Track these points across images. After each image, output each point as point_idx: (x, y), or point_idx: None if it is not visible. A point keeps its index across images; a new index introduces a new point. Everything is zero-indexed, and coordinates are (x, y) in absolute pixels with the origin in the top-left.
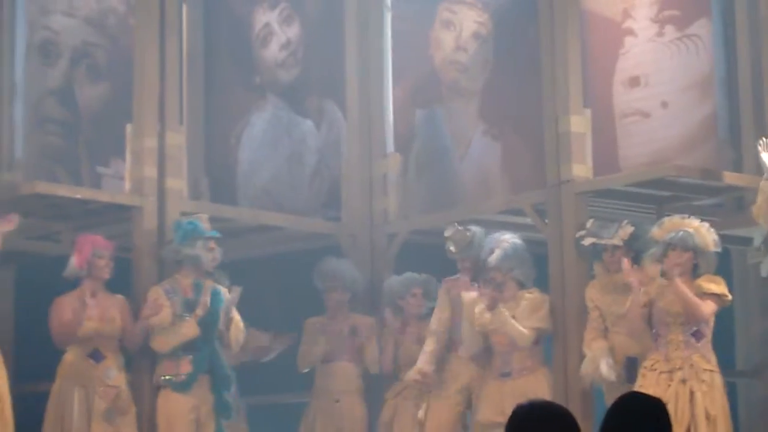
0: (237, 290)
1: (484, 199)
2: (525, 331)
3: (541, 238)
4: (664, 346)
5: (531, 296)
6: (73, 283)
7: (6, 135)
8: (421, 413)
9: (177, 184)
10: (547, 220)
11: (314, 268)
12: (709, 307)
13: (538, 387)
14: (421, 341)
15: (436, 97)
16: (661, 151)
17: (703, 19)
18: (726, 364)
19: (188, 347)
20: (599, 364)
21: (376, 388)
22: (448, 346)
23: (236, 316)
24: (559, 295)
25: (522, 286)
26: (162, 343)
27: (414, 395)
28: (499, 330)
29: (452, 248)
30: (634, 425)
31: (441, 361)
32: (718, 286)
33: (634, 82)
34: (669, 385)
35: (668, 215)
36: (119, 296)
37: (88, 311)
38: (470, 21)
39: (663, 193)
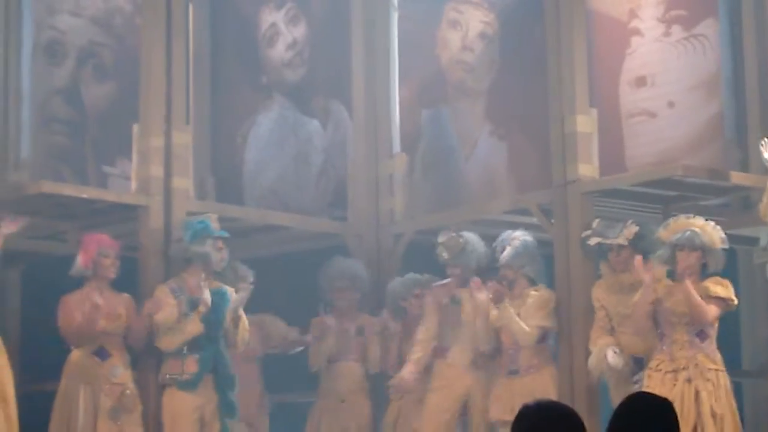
0: (247, 289)
1: (490, 198)
2: (527, 329)
3: (547, 237)
4: (669, 346)
5: (537, 294)
6: (79, 282)
7: (12, 134)
8: (415, 424)
9: (183, 183)
10: (553, 220)
11: (322, 268)
12: (712, 311)
13: (544, 385)
14: None
15: (443, 97)
16: (668, 150)
17: (709, 18)
18: (732, 364)
19: (194, 346)
20: (605, 354)
21: (381, 388)
22: (437, 353)
23: (243, 315)
24: (565, 294)
25: (532, 283)
26: (168, 342)
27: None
28: (505, 327)
29: (445, 254)
30: (642, 425)
31: (427, 368)
32: (725, 290)
33: (640, 81)
34: (674, 385)
35: (675, 215)
36: (125, 295)
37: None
38: (476, 21)
39: (669, 193)
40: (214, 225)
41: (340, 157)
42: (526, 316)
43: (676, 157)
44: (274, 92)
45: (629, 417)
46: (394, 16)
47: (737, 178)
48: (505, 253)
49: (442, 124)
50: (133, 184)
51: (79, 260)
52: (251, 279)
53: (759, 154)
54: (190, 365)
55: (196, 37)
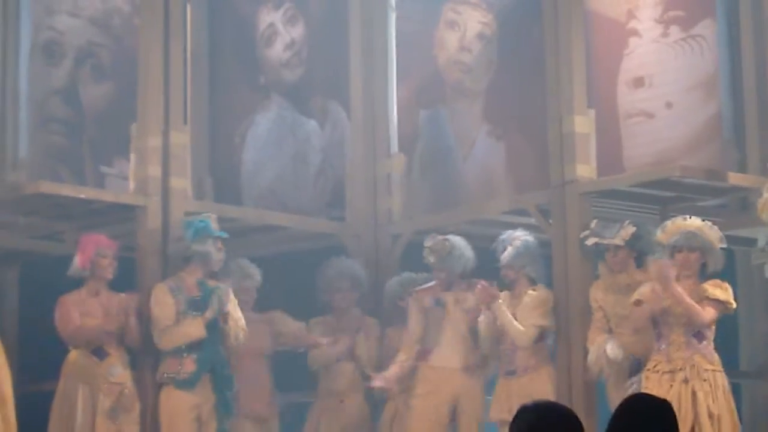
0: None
1: (488, 199)
2: (522, 329)
3: (545, 238)
4: (666, 347)
5: (534, 293)
6: (77, 282)
7: (10, 134)
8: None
9: (181, 183)
10: (551, 221)
11: (321, 268)
12: (709, 314)
13: (541, 386)
14: None
15: (440, 97)
16: (666, 151)
17: (707, 19)
18: (730, 364)
19: (192, 346)
20: (605, 348)
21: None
22: (421, 356)
23: (236, 313)
24: (563, 295)
25: (533, 283)
26: (166, 341)
27: None
28: (502, 328)
29: (431, 258)
30: (641, 426)
31: (411, 371)
32: (724, 293)
33: (638, 82)
34: (671, 386)
35: (672, 216)
36: (123, 295)
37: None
38: (474, 21)
39: (667, 194)
40: (214, 225)
41: (338, 157)
42: (522, 315)
43: (673, 158)
44: (272, 92)
45: (628, 418)
46: (392, 17)
47: (735, 178)
48: (507, 252)
49: (439, 124)
50: (131, 185)
51: (77, 261)
52: (258, 277)
53: (757, 154)
54: (188, 364)
55: (194, 37)
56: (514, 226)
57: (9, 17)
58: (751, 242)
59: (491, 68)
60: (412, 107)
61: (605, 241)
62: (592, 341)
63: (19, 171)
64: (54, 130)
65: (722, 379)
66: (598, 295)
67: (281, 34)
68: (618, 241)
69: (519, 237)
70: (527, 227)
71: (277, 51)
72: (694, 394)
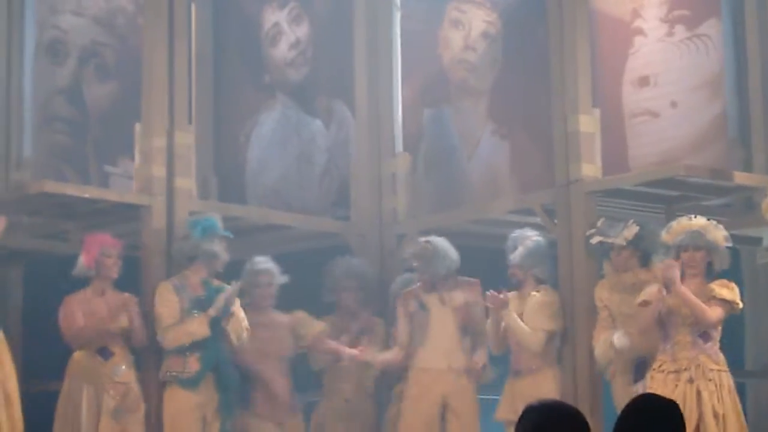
0: (237, 285)
1: (493, 198)
2: (532, 334)
3: (550, 237)
4: (672, 347)
5: (538, 295)
6: (82, 282)
7: (15, 134)
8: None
9: (186, 183)
10: (556, 220)
11: (328, 268)
12: (716, 313)
13: (545, 386)
14: None
15: (445, 96)
16: (671, 150)
17: (712, 18)
18: (735, 364)
19: (196, 344)
20: (611, 341)
21: (386, 388)
22: (409, 359)
23: (240, 312)
24: (568, 294)
25: (540, 283)
26: (170, 340)
27: None
28: (510, 331)
29: (415, 263)
30: (648, 426)
31: (403, 375)
32: (731, 293)
33: (643, 81)
34: (676, 386)
35: (677, 215)
36: (128, 294)
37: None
38: (479, 20)
39: (672, 193)
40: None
41: (343, 156)
42: (529, 319)
43: (678, 157)
44: (277, 92)
45: (635, 418)
46: (397, 16)
47: (740, 178)
48: (517, 252)
49: (443, 123)
50: (136, 184)
51: (82, 260)
52: (275, 275)
53: (762, 154)
54: (192, 363)
55: (198, 36)
56: (518, 226)
57: (13, 16)
58: (756, 241)
59: (496, 67)
60: (417, 106)
61: (609, 240)
62: (597, 340)
63: (23, 170)
64: (58, 130)
65: (727, 379)
66: (603, 294)
67: (286, 33)
68: (621, 241)
69: (530, 237)
70: (533, 227)
71: (282, 50)
72: (699, 393)
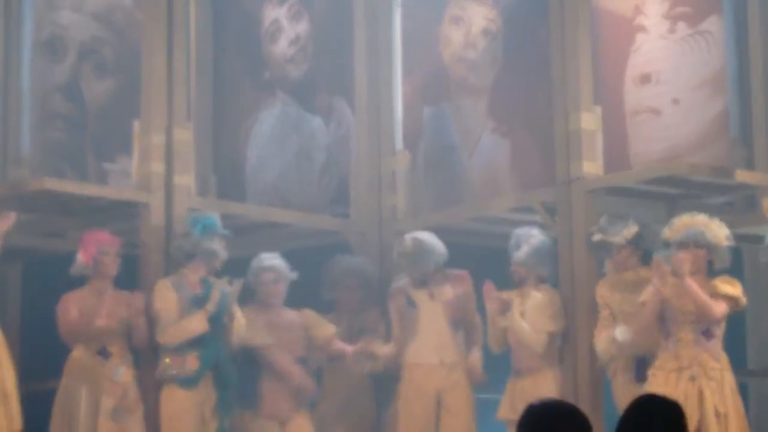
0: (238, 283)
1: (494, 196)
2: (535, 335)
3: (551, 236)
4: (675, 345)
5: (540, 295)
6: (80, 280)
7: (13, 131)
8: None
9: (184, 180)
10: (556, 218)
11: (328, 265)
12: (721, 309)
13: (545, 386)
14: None
15: (445, 94)
16: (672, 148)
17: (714, 15)
18: (737, 363)
19: (195, 342)
20: (614, 335)
21: (386, 385)
22: (402, 355)
23: (237, 311)
24: (569, 293)
25: (542, 282)
26: (169, 337)
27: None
28: (511, 330)
29: (404, 261)
30: (650, 426)
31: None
32: (734, 289)
33: (645, 79)
34: (678, 384)
35: (679, 213)
36: (126, 293)
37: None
38: (480, 18)
39: (674, 191)
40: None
41: (342, 153)
42: (530, 318)
43: (680, 155)
44: (277, 89)
45: (638, 417)
46: (397, 13)
47: (742, 176)
48: (522, 250)
49: (443, 121)
50: (134, 181)
51: (80, 258)
52: (281, 270)
53: (764, 152)
54: (192, 362)
55: (197, 32)
56: (519, 224)
57: (11, 13)
58: (758, 239)
59: (496, 65)
60: (417, 104)
61: (608, 239)
62: (598, 338)
63: (21, 167)
64: (56, 127)
65: (730, 378)
66: (604, 292)
67: (286, 30)
68: (619, 240)
69: (535, 236)
70: (533, 225)
71: (282, 47)
72: (700, 392)
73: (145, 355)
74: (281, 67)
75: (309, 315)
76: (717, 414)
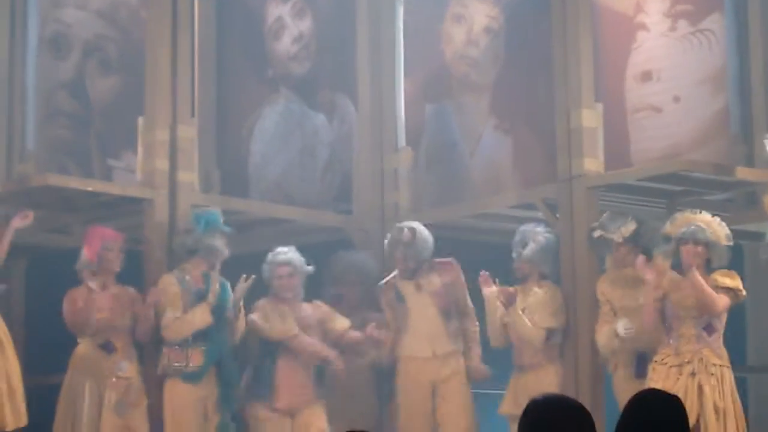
0: (250, 279)
1: (495, 193)
2: (534, 331)
3: (552, 232)
4: (676, 340)
5: (542, 291)
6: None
7: (18, 127)
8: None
9: (188, 176)
10: (558, 215)
11: (331, 261)
12: (722, 302)
13: (546, 382)
14: None
15: (447, 91)
16: (673, 145)
17: (715, 14)
18: (737, 359)
19: (199, 337)
20: (616, 328)
21: (387, 380)
22: (396, 348)
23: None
24: (570, 289)
25: (544, 278)
26: (173, 332)
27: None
28: (512, 326)
29: (400, 252)
30: (651, 421)
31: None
32: (733, 281)
33: (646, 76)
34: (678, 379)
35: (680, 210)
36: (131, 289)
37: (97, 303)
38: (481, 15)
39: (675, 188)
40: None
41: (345, 150)
42: (531, 314)
43: (681, 152)
44: (280, 86)
45: (639, 412)
46: (400, 11)
47: (742, 173)
48: (530, 248)
49: (446, 118)
50: (138, 177)
51: (85, 254)
52: (297, 265)
53: (764, 149)
54: (196, 357)
55: (201, 30)
56: (521, 221)
57: (17, 10)
58: (758, 236)
59: (498, 62)
60: (419, 101)
61: (607, 236)
62: (599, 333)
63: (26, 164)
64: (61, 123)
65: (729, 375)
66: (605, 288)
67: (289, 27)
68: (617, 238)
69: (541, 233)
70: (535, 221)
71: (285, 44)
72: (700, 388)
73: (149, 349)
74: (284, 65)
75: (323, 308)
76: (716, 410)
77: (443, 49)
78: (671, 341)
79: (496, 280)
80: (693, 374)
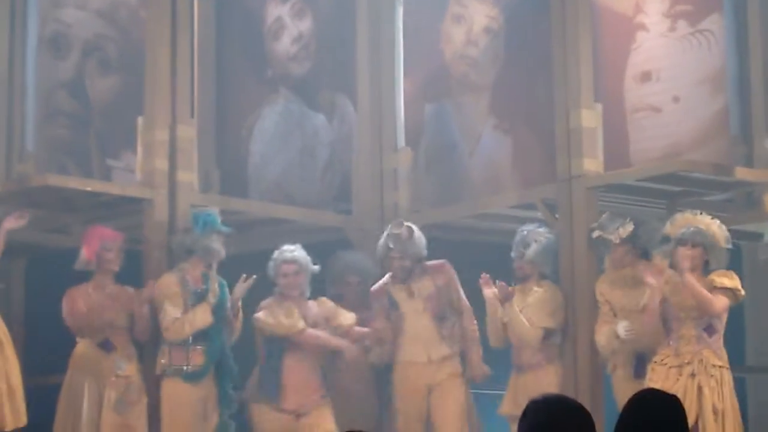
0: (250, 279)
1: (495, 193)
2: (532, 330)
3: (552, 232)
4: (676, 341)
5: (541, 291)
6: (84, 275)
7: (17, 127)
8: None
9: (188, 176)
10: (557, 215)
11: (330, 261)
12: (721, 302)
13: (546, 382)
14: None
15: (446, 91)
16: (673, 146)
17: (715, 14)
18: (736, 360)
19: (199, 337)
20: (616, 329)
21: (386, 382)
22: (391, 353)
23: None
24: (570, 289)
25: (544, 278)
26: (174, 332)
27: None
28: (510, 325)
29: (398, 251)
30: (650, 421)
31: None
32: (731, 281)
33: (645, 77)
34: (678, 380)
35: (679, 210)
36: (130, 288)
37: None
38: (481, 15)
39: (674, 188)
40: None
41: (345, 150)
42: (529, 313)
43: (680, 153)
44: (280, 86)
45: (638, 412)
46: (399, 11)
47: (742, 173)
48: (533, 248)
49: (445, 118)
50: (138, 177)
51: (84, 254)
52: (303, 264)
53: (764, 149)
54: (196, 357)
55: (201, 30)
56: (520, 221)
57: (16, 10)
58: (757, 237)
59: (498, 62)
60: (419, 101)
61: (605, 236)
62: (599, 333)
63: (26, 164)
64: (61, 123)
65: (728, 377)
66: (604, 288)
67: (289, 27)
68: (615, 239)
69: (543, 234)
70: (534, 222)
71: (285, 44)
72: (699, 389)
73: (148, 348)
74: (284, 65)
75: (328, 304)
76: (715, 411)
77: (443, 49)
78: (671, 342)
79: (497, 281)
80: (693, 375)
